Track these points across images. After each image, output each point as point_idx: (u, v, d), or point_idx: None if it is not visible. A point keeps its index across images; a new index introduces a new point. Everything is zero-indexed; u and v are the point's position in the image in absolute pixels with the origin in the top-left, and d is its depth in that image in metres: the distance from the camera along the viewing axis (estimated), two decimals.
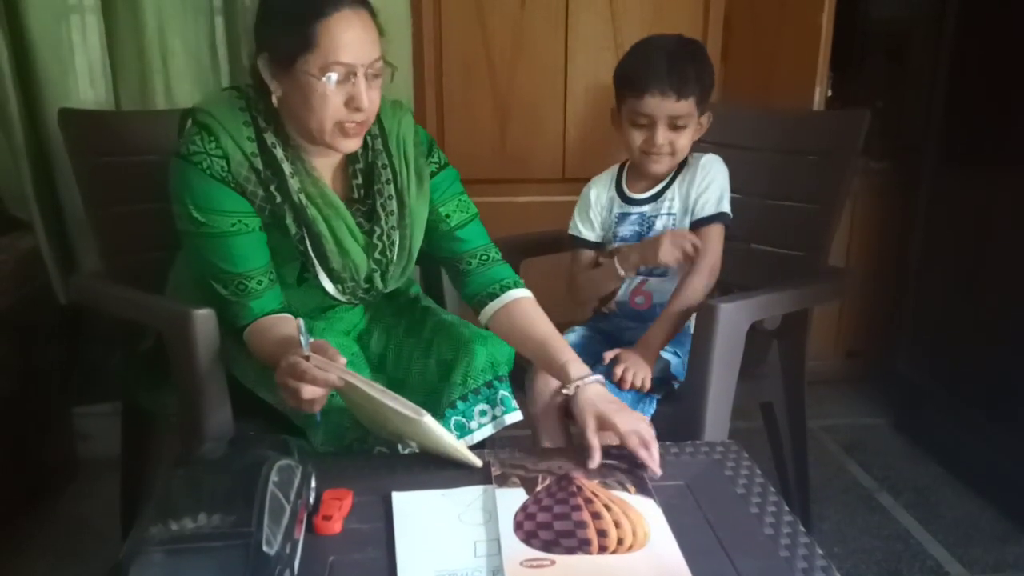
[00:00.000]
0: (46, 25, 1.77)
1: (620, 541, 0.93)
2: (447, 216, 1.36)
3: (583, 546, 0.92)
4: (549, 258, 1.78)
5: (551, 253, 1.79)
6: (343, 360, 1.05)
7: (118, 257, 1.57)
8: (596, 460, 1.10)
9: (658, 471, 1.09)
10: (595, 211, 1.63)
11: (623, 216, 1.60)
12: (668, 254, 1.45)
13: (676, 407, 1.44)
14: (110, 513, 1.66)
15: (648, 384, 1.41)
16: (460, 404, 1.29)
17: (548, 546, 0.91)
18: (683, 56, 1.46)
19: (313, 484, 0.99)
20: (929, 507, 1.94)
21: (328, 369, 1.03)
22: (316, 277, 1.28)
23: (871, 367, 2.60)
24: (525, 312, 1.34)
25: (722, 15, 2.37)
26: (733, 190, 1.56)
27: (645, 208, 1.58)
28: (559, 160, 2.41)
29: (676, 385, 1.48)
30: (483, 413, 1.29)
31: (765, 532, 0.98)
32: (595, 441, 1.12)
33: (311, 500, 0.98)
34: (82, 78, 1.85)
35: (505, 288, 1.36)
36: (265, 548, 0.76)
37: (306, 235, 1.24)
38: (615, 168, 1.65)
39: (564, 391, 1.23)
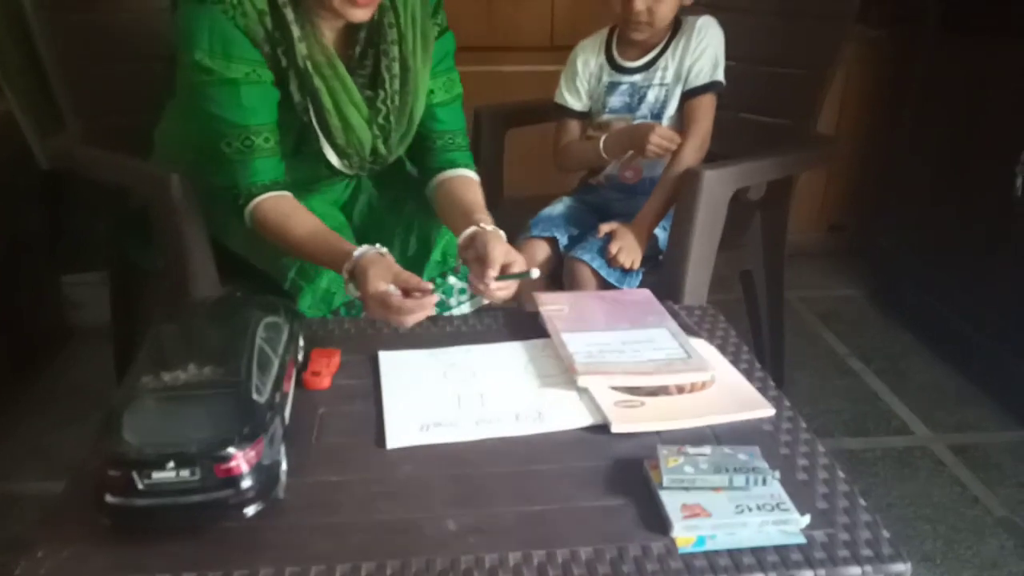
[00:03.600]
0: None
1: (692, 383, 0.99)
2: (431, 91, 1.30)
3: (661, 391, 0.97)
4: (535, 128, 1.76)
5: (537, 123, 1.76)
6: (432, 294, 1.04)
7: (96, 119, 1.53)
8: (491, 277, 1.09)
9: (490, 295, 1.09)
10: (583, 79, 1.59)
11: (613, 86, 1.56)
12: (654, 150, 1.43)
13: (658, 275, 1.46)
14: (104, 378, 1.69)
15: (637, 265, 1.43)
16: (439, 281, 1.30)
17: (632, 391, 0.97)
18: None
19: (301, 343, 1.02)
20: (898, 373, 2.02)
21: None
22: (321, 151, 1.25)
23: (852, 241, 2.63)
24: (465, 185, 1.29)
25: None
26: (724, 56, 1.52)
27: (636, 77, 1.55)
28: (547, 27, 2.33)
29: (661, 257, 1.50)
30: (462, 291, 1.31)
31: None
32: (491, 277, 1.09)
33: (299, 357, 1.01)
34: None
35: (455, 167, 1.32)
36: (255, 396, 0.78)
37: (310, 106, 1.20)
38: (604, 32, 1.60)
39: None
